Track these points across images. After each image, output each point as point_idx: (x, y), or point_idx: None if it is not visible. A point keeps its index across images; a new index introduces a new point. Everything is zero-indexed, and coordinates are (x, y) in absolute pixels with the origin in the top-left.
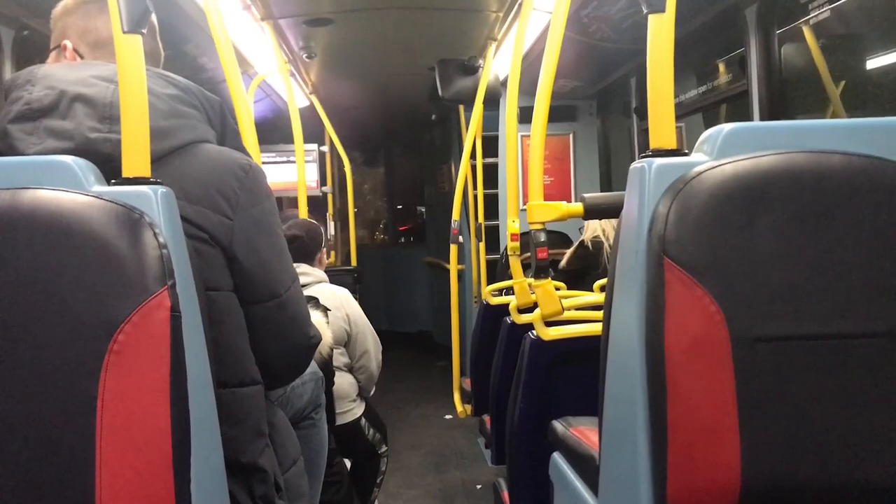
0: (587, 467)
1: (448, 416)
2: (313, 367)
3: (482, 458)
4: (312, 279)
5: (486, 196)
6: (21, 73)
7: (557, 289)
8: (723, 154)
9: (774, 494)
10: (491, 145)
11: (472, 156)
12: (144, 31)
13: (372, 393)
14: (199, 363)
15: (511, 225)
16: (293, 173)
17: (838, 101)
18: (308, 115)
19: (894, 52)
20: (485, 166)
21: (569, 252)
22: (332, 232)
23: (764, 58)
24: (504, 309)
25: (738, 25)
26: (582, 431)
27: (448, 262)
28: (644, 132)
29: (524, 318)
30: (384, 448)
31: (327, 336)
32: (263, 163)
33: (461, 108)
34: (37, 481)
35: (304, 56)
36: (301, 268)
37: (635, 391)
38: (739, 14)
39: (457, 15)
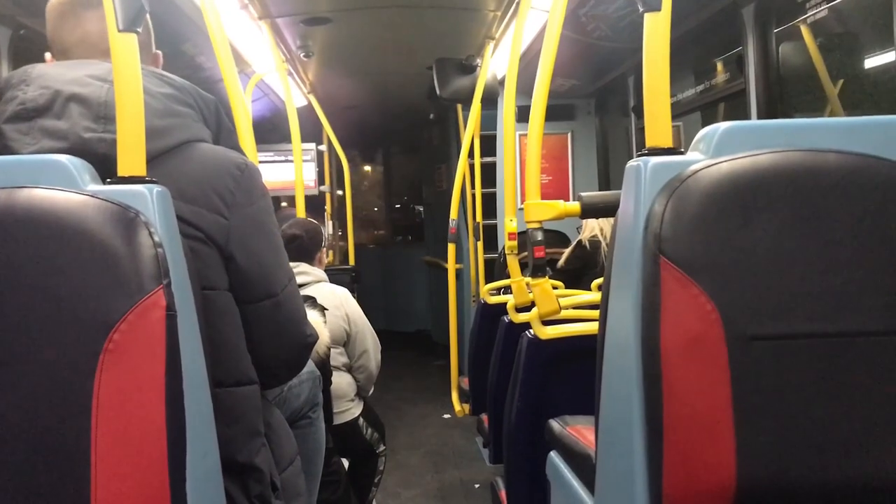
0: (584, 466)
1: (446, 416)
2: (311, 366)
3: (480, 458)
4: (312, 278)
5: (484, 195)
6: (16, 72)
7: (555, 288)
8: (719, 153)
9: (770, 493)
10: (489, 144)
11: (471, 155)
12: (139, 29)
13: (370, 392)
14: (195, 362)
15: (508, 224)
16: (291, 172)
17: (836, 99)
18: (306, 114)
19: (892, 51)
20: (483, 165)
21: (567, 251)
22: (330, 231)
23: (761, 56)
24: (502, 308)
25: (736, 24)
26: (579, 430)
27: (446, 261)
28: (642, 131)
29: (522, 318)
30: (382, 447)
31: (324, 335)
32: (261, 162)
33: (459, 107)
34: (32, 480)
35: (302, 55)
36: (301, 267)
37: (631, 390)
38: (737, 13)
39: (455, 14)
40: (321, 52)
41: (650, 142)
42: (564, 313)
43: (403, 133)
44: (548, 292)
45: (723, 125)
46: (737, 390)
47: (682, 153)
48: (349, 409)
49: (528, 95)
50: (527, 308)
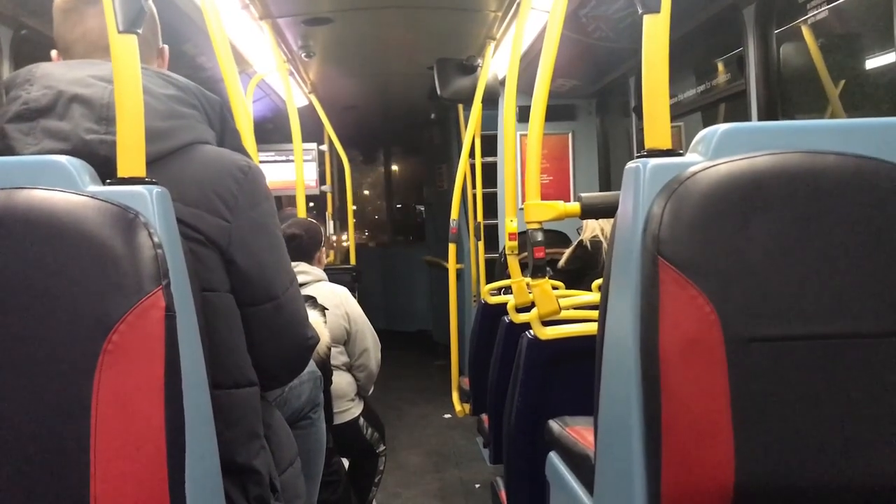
0: (583, 467)
1: (447, 416)
2: (311, 366)
3: (481, 458)
4: (311, 278)
5: (484, 195)
6: (20, 71)
7: (555, 288)
8: (718, 154)
9: (768, 494)
10: (490, 144)
11: (471, 155)
12: (140, 30)
13: (371, 392)
14: (194, 363)
15: (509, 224)
16: (292, 172)
17: (837, 100)
18: (307, 114)
19: (892, 52)
20: (484, 165)
21: (567, 251)
22: (331, 231)
23: (762, 57)
24: (503, 308)
25: (737, 25)
26: (578, 431)
27: (447, 261)
28: (643, 131)
29: (522, 318)
30: (382, 447)
31: (325, 335)
32: (262, 162)
33: (460, 107)
34: (31, 481)
35: (303, 55)
36: (300, 266)
37: (630, 391)
38: (738, 13)
39: (455, 14)
40: (322, 52)
41: (649, 143)
42: (564, 314)
43: (404, 133)
44: (548, 293)
45: (722, 127)
46: (735, 391)
47: (681, 155)
48: (349, 409)
49: (528, 96)
50: (527, 308)
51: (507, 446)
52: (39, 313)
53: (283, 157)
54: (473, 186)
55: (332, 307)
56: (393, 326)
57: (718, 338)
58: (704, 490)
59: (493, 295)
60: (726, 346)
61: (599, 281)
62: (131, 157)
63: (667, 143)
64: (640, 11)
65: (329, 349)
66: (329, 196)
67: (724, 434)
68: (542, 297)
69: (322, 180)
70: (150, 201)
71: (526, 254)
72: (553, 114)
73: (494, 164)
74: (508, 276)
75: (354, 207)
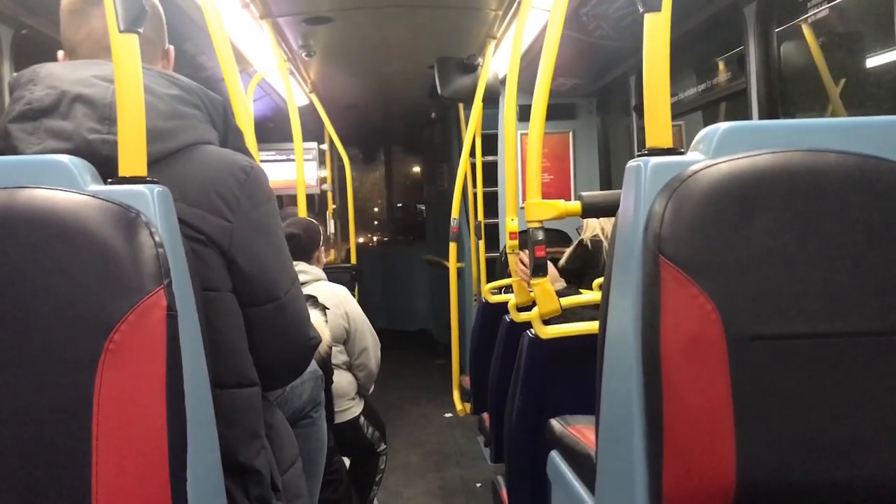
0: (584, 465)
1: (448, 415)
2: (312, 365)
3: (482, 457)
4: (310, 277)
5: (485, 194)
6: (24, 71)
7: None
8: (719, 153)
9: (770, 492)
10: (490, 143)
11: (472, 154)
12: (140, 30)
13: (371, 391)
14: (196, 362)
15: (510, 223)
16: (292, 171)
17: (838, 99)
18: (307, 113)
19: (893, 50)
20: (484, 164)
21: (568, 251)
22: (332, 230)
23: (763, 56)
24: (503, 307)
25: (737, 23)
26: (579, 430)
27: (447, 260)
28: (643, 130)
29: (523, 317)
30: (383, 446)
31: (326, 335)
32: (262, 161)
33: (460, 106)
34: (32, 480)
35: (304, 54)
36: (299, 266)
37: (631, 390)
38: (738, 12)
39: (456, 13)
40: (323, 51)
41: (650, 142)
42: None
43: (405, 132)
44: (549, 291)
45: (723, 125)
46: (737, 390)
47: (682, 153)
48: (350, 408)
49: (529, 94)
50: (528, 307)
51: (509, 445)
52: (41, 312)
53: (284, 157)
54: (474, 185)
55: (332, 306)
56: (393, 325)
57: (720, 336)
58: (706, 488)
59: (493, 294)
60: (728, 344)
61: (600, 280)
62: (132, 156)
63: (668, 142)
64: (640, 10)
65: (330, 348)
66: (329, 195)
67: (725, 432)
68: (543, 295)
69: (322, 179)
70: (151, 200)
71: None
72: (553, 112)
73: (495, 164)
74: (509, 275)
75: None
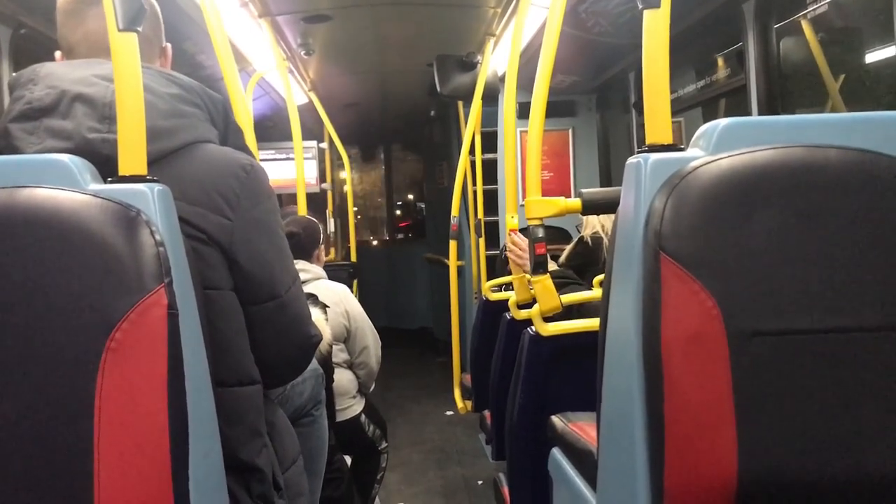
0: (586, 462)
1: (449, 412)
2: (313, 363)
3: (483, 454)
4: (311, 276)
5: (485, 192)
6: (25, 71)
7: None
8: (719, 149)
9: (772, 488)
10: (490, 141)
11: (471, 152)
12: (140, 28)
13: (372, 389)
14: (197, 361)
15: (510, 221)
16: (292, 170)
17: (837, 95)
18: (307, 111)
19: (893, 46)
20: (484, 162)
21: (568, 248)
22: (332, 229)
23: (762, 52)
24: (504, 304)
25: (737, 20)
26: (581, 427)
27: (448, 258)
28: (643, 127)
29: (523, 314)
30: (384, 444)
31: (326, 333)
32: (262, 160)
33: (460, 103)
34: (35, 480)
35: (303, 53)
36: (299, 264)
37: (632, 386)
38: (737, 8)
39: (455, 10)
40: (322, 49)
41: (650, 138)
42: None
43: (404, 130)
44: (549, 289)
45: (723, 121)
46: (738, 386)
47: (682, 150)
48: (351, 406)
49: (528, 92)
50: (528, 304)
51: (510, 442)
52: (41, 312)
53: (284, 156)
54: (474, 183)
55: (332, 305)
56: (394, 324)
57: (721, 332)
58: (708, 484)
59: (493, 291)
60: (729, 340)
61: (600, 277)
62: (132, 155)
63: (668, 138)
64: (640, 6)
65: (331, 346)
66: (329, 194)
67: (727, 428)
68: (543, 293)
69: (322, 178)
70: (151, 199)
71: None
72: (553, 110)
73: (494, 161)
74: (509, 273)
75: (356, 209)
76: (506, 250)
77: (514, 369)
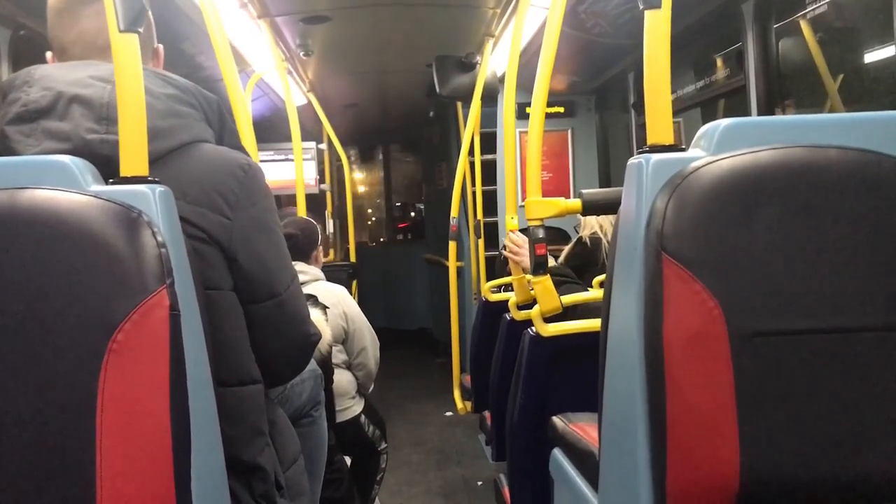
0: (587, 463)
1: (448, 413)
2: (312, 364)
3: (483, 455)
4: (309, 277)
5: (484, 192)
6: (19, 73)
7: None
8: (720, 149)
9: (773, 489)
10: (489, 142)
11: (471, 152)
12: (140, 29)
13: (371, 390)
14: (199, 362)
15: (509, 221)
16: (291, 171)
17: (836, 95)
18: (306, 112)
19: (892, 45)
20: (483, 163)
21: (567, 249)
22: (331, 230)
23: (761, 52)
24: (503, 305)
25: (736, 20)
26: (582, 427)
27: (447, 259)
28: (642, 127)
29: (523, 315)
30: (384, 445)
31: (326, 334)
32: (261, 161)
33: (459, 104)
34: (37, 480)
35: (302, 53)
36: (297, 266)
37: (634, 387)
38: (737, 8)
39: (454, 11)
40: (321, 50)
41: (651, 139)
42: None
43: (403, 131)
44: (549, 289)
45: (724, 122)
46: (740, 386)
47: (683, 150)
48: (350, 407)
49: (528, 92)
50: (528, 305)
51: (510, 443)
52: (43, 313)
53: (283, 156)
54: (473, 184)
55: (331, 306)
56: (394, 325)
57: (722, 332)
58: (710, 484)
59: (493, 292)
60: (730, 340)
61: (600, 277)
62: (134, 156)
63: (669, 139)
64: (640, 7)
65: (330, 347)
66: (328, 195)
67: (729, 429)
68: (543, 293)
69: (321, 179)
70: (153, 200)
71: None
72: (551, 112)
73: (494, 162)
74: (509, 274)
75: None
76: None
77: (515, 370)
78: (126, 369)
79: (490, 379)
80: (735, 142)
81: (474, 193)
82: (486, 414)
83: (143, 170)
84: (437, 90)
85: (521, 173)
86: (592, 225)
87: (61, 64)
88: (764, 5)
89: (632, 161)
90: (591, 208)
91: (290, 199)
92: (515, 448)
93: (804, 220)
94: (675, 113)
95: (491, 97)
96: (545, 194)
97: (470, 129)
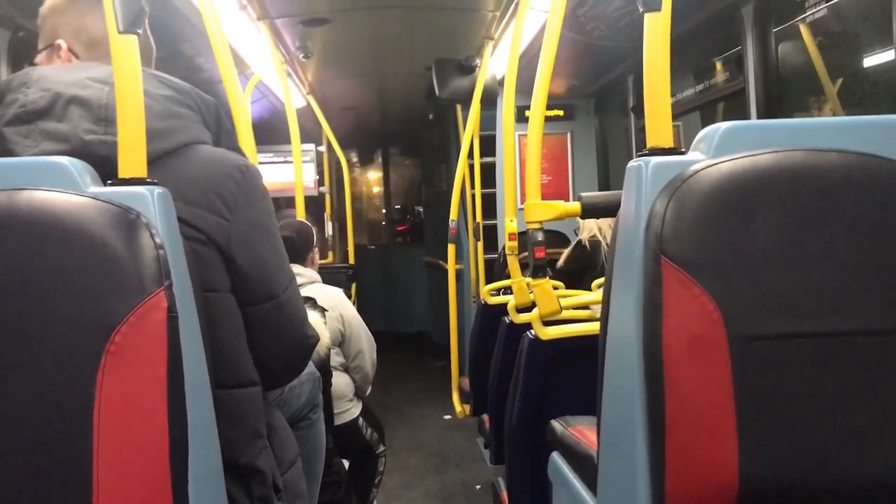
0: (586, 466)
1: (447, 417)
2: (310, 367)
3: (481, 459)
4: (305, 279)
5: (483, 195)
6: (16, 75)
7: (556, 288)
8: (720, 152)
9: (772, 492)
10: (488, 145)
11: (470, 155)
12: (140, 31)
13: (368, 392)
14: (197, 364)
15: (509, 224)
16: (291, 174)
17: (835, 98)
18: (305, 115)
19: (891, 50)
20: (482, 166)
21: (566, 251)
22: (330, 232)
23: (761, 56)
24: (502, 308)
25: (735, 24)
26: (580, 431)
27: (446, 262)
28: (641, 131)
29: (522, 318)
30: (382, 448)
31: (325, 336)
32: (260, 163)
33: (458, 107)
34: (34, 483)
35: (301, 56)
36: (294, 268)
37: (633, 390)
38: (736, 12)
39: (453, 14)
40: (320, 53)
41: (651, 142)
42: (565, 313)
43: (403, 134)
44: (548, 293)
45: (724, 125)
46: (739, 390)
47: (682, 153)
48: (349, 410)
49: (527, 95)
50: (527, 308)
51: (509, 447)
52: (41, 315)
53: (282, 159)
54: (472, 187)
55: (328, 308)
56: (393, 328)
57: (722, 336)
58: (709, 488)
59: (492, 295)
60: (729, 343)
61: (599, 280)
62: (132, 157)
63: (669, 142)
64: (640, 10)
65: (329, 350)
66: (328, 197)
67: (728, 432)
68: (543, 296)
69: (321, 181)
70: (151, 202)
71: (526, 254)
72: (550, 116)
73: (493, 165)
74: (508, 277)
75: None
76: (505, 254)
77: (514, 373)
78: (124, 371)
79: (489, 382)
80: (734, 145)
81: (473, 196)
82: (485, 417)
83: (141, 171)
84: (437, 93)
85: (520, 176)
86: (590, 227)
87: (58, 65)
88: (763, 9)
89: (631, 164)
90: (590, 211)
91: (290, 202)
92: (514, 451)
93: (804, 223)
94: (675, 116)
95: (490, 100)
96: (544, 197)
97: (469, 132)
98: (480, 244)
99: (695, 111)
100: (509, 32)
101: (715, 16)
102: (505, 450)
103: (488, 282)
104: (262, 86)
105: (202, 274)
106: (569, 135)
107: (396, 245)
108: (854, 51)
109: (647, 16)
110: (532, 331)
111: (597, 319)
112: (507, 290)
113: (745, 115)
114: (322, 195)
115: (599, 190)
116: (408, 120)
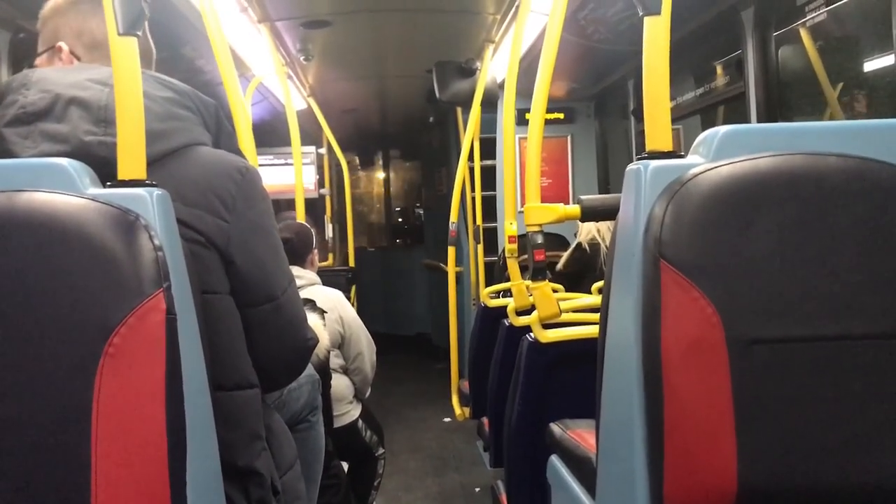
0: (584, 470)
1: (447, 419)
2: (309, 369)
3: (481, 461)
4: (305, 281)
5: (484, 198)
6: (16, 76)
7: (555, 291)
8: (719, 156)
9: (771, 496)
10: (489, 147)
11: (470, 158)
12: (140, 33)
13: (368, 395)
14: (195, 366)
15: (509, 227)
16: (291, 176)
17: (836, 103)
18: (306, 117)
19: (891, 54)
20: (483, 168)
21: (566, 254)
22: (330, 234)
23: (761, 60)
24: (502, 311)
25: (735, 27)
26: (579, 434)
27: (446, 265)
28: (641, 134)
29: (522, 321)
30: (381, 450)
31: (324, 338)
32: (261, 165)
33: (459, 110)
34: (32, 484)
35: (302, 58)
36: (293, 270)
37: (632, 393)
38: (736, 16)
39: (454, 17)
40: (321, 55)
41: (650, 145)
42: (565, 316)
43: (403, 136)
44: (548, 295)
45: (723, 128)
46: (738, 393)
47: (682, 156)
48: (348, 412)
49: (527, 98)
50: (527, 311)
51: (508, 449)
52: (40, 316)
53: (282, 161)
54: (472, 190)
55: (327, 310)
56: (393, 330)
57: (720, 339)
58: (707, 492)
59: (492, 298)
60: (728, 347)
61: (599, 283)
62: (132, 159)
63: (668, 145)
64: (640, 13)
65: (328, 352)
66: (328, 199)
67: (726, 436)
68: (542, 299)
69: (321, 184)
70: (150, 204)
71: (525, 256)
72: (550, 119)
73: (493, 168)
74: (508, 279)
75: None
76: (505, 257)
77: (513, 376)
78: (122, 373)
79: (488, 385)
80: (734, 149)
81: (474, 199)
82: (485, 420)
83: (140, 173)
84: (437, 95)
85: (520, 179)
86: (589, 230)
87: (58, 67)
88: (764, 13)
89: (630, 167)
90: (590, 214)
91: (290, 204)
92: (513, 454)
93: (803, 227)
94: (675, 120)
95: (491, 103)
96: (544, 200)
97: (469, 135)
98: (480, 247)
99: (695, 115)
100: (510, 35)
101: (715, 19)
102: (504, 453)
103: (488, 284)
104: (262, 88)
105: (201, 275)
106: (569, 138)
107: (397, 247)
108: (854, 55)
109: (646, 19)
110: (531, 334)
111: (596, 322)
112: (507, 293)
113: (745, 119)
114: (322, 197)
115: (599, 193)
116: (408, 122)
